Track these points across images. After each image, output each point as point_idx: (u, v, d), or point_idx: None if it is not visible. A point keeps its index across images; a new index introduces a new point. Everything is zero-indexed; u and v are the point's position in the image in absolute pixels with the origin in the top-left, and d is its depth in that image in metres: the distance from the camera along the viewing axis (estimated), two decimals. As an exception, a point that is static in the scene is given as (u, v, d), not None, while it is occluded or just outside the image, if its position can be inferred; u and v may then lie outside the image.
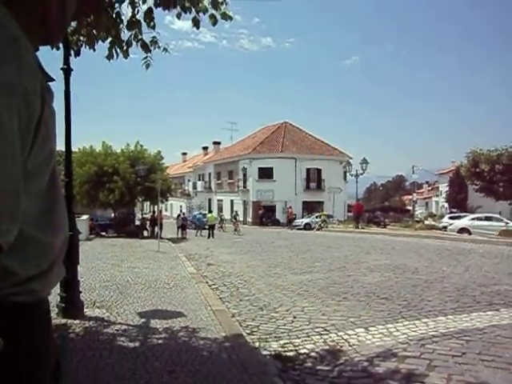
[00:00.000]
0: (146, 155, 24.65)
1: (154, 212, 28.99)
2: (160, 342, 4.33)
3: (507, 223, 21.32)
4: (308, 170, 39.18)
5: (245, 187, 39.68)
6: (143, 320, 5.16)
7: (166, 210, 52.52)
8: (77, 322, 4.94)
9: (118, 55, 3.53)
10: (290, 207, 33.08)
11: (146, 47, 3.58)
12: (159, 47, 3.78)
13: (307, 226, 28.89)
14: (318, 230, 26.87)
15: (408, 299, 6.32)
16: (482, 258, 11.07)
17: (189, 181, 56.17)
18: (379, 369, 3.72)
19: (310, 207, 35.66)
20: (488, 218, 22.95)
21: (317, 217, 30.32)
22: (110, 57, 3.53)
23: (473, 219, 23.99)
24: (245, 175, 39.93)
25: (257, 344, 4.50)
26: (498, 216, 23.63)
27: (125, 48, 3.73)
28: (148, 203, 30.43)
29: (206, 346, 4.19)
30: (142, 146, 24.85)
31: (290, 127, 42.96)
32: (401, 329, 4.86)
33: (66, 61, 5.05)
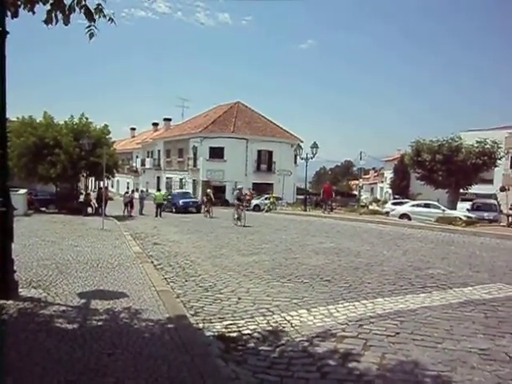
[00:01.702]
0: (91, 129, 23.52)
1: (100, 188, 27.76)
2: (100, 323, 4.20)
3: (444, 210, 22.60)
4: (259, 152, 39.34)
5: (195, 166, 39.21)
6: (83, 301, 4.98)
7: (112, 186, 50.91)
8: (10, 302, 4.68)
9: (57, 21, 3.27)
10: (249, 189, 33.08)
11: (89, 15, 3.35)
12: (105, 16, 3.55)
13: (256, 208, 29.10)
14: (266, 211, 27.15)
15: (349, 281, 6.55)
16: (419, 242, 11.68)
17: (137, 157, 54.60)
18: (319, 349, 3.84)
19: (259, 189, 35.89)
20: (427, 205, 24.18)
21: (266, 199, 30.61)
22: (48, 21, 3.26)
23: (413, 206, 25.20)
24: (195, 154, 39.41)
25: (201, 325, 4.50)
26: (436, 203, 24.97)
27: (66, 13, 3.47)
28: (93, 179, 29.13)
29: (148, 327, 4.12)
30: (87, 118, 23.68)
31: (242, 107, 42.70)
32: (341, 310, 5.03)
33: (1, 22, 4.64)
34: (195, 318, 4.74)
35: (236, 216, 17.23)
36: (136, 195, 30.24)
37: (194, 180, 39.56)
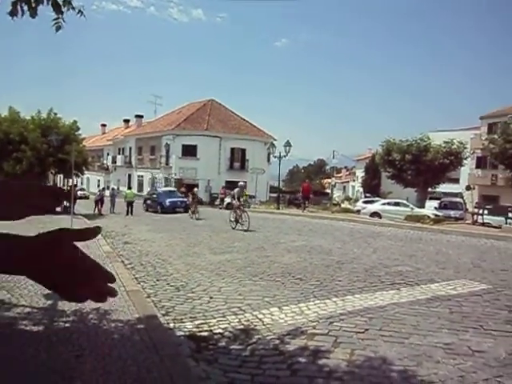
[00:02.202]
0: (60, 124, 22.92)
1: (71, 186, 26.98)
2: (67, 325, 4.11)
3: (413, 209, 23.18)
4: (232, 150, 39.27)
5: (167, 164, 38.78)
6: (50, 302, 4.85)
7: (82, 184, 49.75)
8: (-29, 304, 4.52)
9: (23, 13, 3.16)
10: (223, 187, 32.94)
11: (57, 7, 3.25)
12: (73, 8, 3.45)
13: (229, 206, 29.04)
14: (239, 209, 27.14)
15: (321, 279, 6.63)
16: (389, 240, 11.93)
17: (108, 154, 53.55)
18: (289, 346, 3.87)
19: (232, 187, 35.79)
20: (396, 204, 24.73)
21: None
22: (13, 13, 3.14)
23: (383, 204, 25.74)
24: (168, 151, 38.99)
25: (171, 325, 4.46)
26: (405, 202, 25.57)
27: (33, 6, 3.36)
28: (61, 176, 28.40)
29: (117, 328, 4.06)
30: (55, 114, 23.05)
31: (215, 105, 42.52)
32: (312, 308, 5.09)
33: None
34: (166, 317, 4.69)
35: (233, 218, 14.90)
36: (107, 193, 29.65)
37: (166, 178, 39.12)
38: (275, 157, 27.42)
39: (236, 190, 15.98)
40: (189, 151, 37.63)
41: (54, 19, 3.46)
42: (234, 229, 14.25)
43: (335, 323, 4.48)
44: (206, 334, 4.24)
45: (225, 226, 15.94)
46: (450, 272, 7.34)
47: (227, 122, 40.50)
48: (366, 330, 4.28)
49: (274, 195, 32.86)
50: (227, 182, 37.25)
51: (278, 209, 26.02)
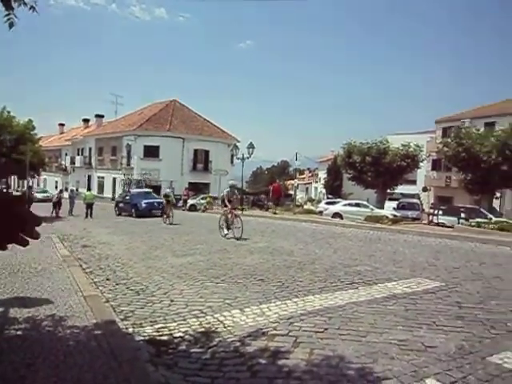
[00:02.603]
0: (14, 123, 21.98)
1: (30, 187, 25.79)
2: (19, 332, 3.94)
3: (372, 209, 23.82)
4: (195, 151, 39.04)
5: (129, 165, 38.04)
6: (0, 309, 4.64)
7: (38, 185, 47.90)
8: None
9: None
10: (186, 189, 32.59)
11: (7, 2, 3.12)
12: (25, 4, 3.33)
13: (192, 208, 28.83)
14: (203, 211, 26.99)
15: (282, 280, 6.69)
16: (349, 241, 12.21)
17: (66, 155, 51.86)
18: (250, 348, 3.88)
19: (196, 188, 35.58)
20: (357, 205, 25.32)
21: (203, 198, 30.41)
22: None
23: (345, 205, 26.29)
24: (129, 152, 38.25)
25: (130, 330, 4.37)
26: (365, 203, 26.23)
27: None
28: (16, 177, 27.22)
29: (73, 335, 3.94)
30: (9, 112, 22.09)
31: (178, 106, 42.12)
32: (273, 309, 5.13)
33: None
34: (125, 322, 4.59)
35: (224, 224, 12.64)
36: (65, 195, 28.67)
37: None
38: (238, 158, 27.48)
39: (226, 190, 13.24)
40: (151, 152, 37.07)
41: (6, 15, 3.33)
42: (225, 237, 12.23)
43: (295, 323, 4.53)
44: (166, 338, 4.18)
45: (188, 227, 15.80)
46: (407, 271, 7.60)
47: (190, 123, 40.21)
48: (326, 329, 4.36)
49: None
50: (190, 183, 36.96)
51: (242, 210, 26.05)
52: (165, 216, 18.72)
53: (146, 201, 23.29)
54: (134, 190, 27.22)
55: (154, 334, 4.28)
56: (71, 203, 24.20)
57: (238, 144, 34.53)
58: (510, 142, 21.25)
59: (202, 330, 4.41)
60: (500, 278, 7.14)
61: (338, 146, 30.64)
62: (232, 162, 39.14)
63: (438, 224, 17.83)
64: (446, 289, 6.24)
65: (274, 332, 4.29)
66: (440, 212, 19.82)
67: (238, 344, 3.99)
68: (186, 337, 4.21)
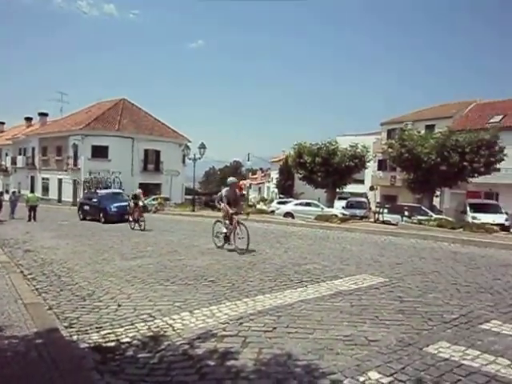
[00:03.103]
0: None
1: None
2: (-49, 346, 3.70)
3: (323, 209, 24.41)
4: (146, 151, 38.28)
5: (75, 166, 36.60)
6: None
7: (-25, 187, 44.98)
8: None
9: None
10: (140, 189, 31.75)
11: None
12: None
13: (143, 209, 28.20)
14: (154, 212, 26.47)
15: (233, 281, 6.72)
16: (299, 240, 12.45)
17: (6, 155, 49.07)
18: (199, 350, 3.88)
19: (147, 189, 34.83)
20: (308, 204, 25.86)
21: (154, 199, 29.85)
22: None
23: (296, 204, 26.76)
24: (76, 152, 36.81)
25: (75, 337, 4.23)
26: (316, 202, 26.82)
27: None
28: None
29: (11, 345, 3.75)
30: None
31: (127, 105, 41.09)
32: (223, 310, 5.14)
33: None
34: (69, 330, 4.44)
35: (221, 232, 10.30)
36: (6, 197, 27.10)
37: (74, 180, 36.87)
38: (190, 159, 27.18)
39: (225, 189, 10.40)
40: (99, 152, 35.90)
41: None
42: (220, 247, 10.17)
43: (245, 324, 4.58)
44: (112, 344, 4.09)
45: (138, 229, 15.45)
46: (353, 268, 7.87)
47: (140, 123, 39.34)
48: (274, 328, 4.43)
49: (190, 197, 32.54)
50: (141, 184, 36.10)
51: (194, 211, 25.82)
52: (132, 221, 16.29)
53: (117, 204, 20.25)
54: (102, 192, 23.95)
55: (100, 340, 4.17)
56: (13, 206, 22.93)
57: (189, 144, 34.18)
58: (447, 143, 22.48)
59: (151, 334, 4.35)
60: (438, 272, 7.56)
61: (290, 146, 31.05)
62: (184, 162, 38.67)
63: (383, 222, 18.57)
64: (389, 284, 6.53)
65: (224, 333, 4.31)
66: (385, 210, 20.65)
67: (186, 347, 3.97)
68: (134, 342, 4.13)
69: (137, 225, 15.91)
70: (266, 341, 4.08)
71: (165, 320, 4.78)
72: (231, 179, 10.84)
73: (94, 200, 21.71)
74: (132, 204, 16.95)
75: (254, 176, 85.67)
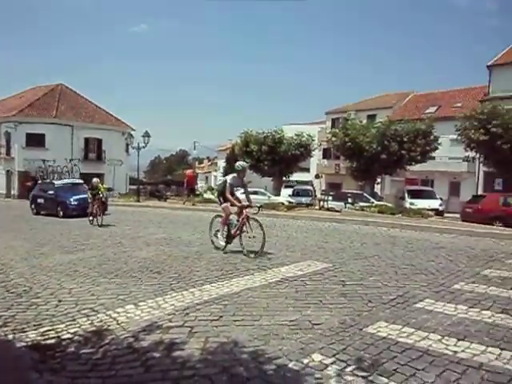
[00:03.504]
0: None
1: None
2: None
3: (270, 197, 24.75)
4: (87, 140, 36.72)
5: (8, 155, 34.40)
6: None
7: None
8: None
9: None
10: (97, 178, 30.36)
11: None
12: None
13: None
14: (96, 203, 25.54)
15: (179, 271, 6.66)
16: (246, 228, 12.50)
17: None
18: (144, 343, 3.82)
19: (88, 179, 33.49)
20: (255, 192, 26.01)
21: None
22: None
23: (242, 193, 26.85)
24: (8, 141, 34.55)
25: (10, 336, 4.01)
26: (262, 190, 27.11)
27: None
28: None
29: None
30: None
31: (66, 90, 39.06)
32: (169, 301, 5.09)
33: None
34: (3, 329, 4.19)
35: (224, 230, 8.49)
36: None
37: (7, 171, 34.69)
38: (133, 147, 26.42)
39: (230, 176, 8.77)
40: (35, 140, 33.95)
41: None
42: (222, 250, 8.34)
43: (191, 314, 4.56)
44: (52, 341, 3.92)
45: (81, 221, 14.84)
46: (298, 254, 8.05)
47: (80, 110, 37.59)
48: (221, 316, 4.45)
49: (135, 187, 31.69)
50: (82, 174, 34.67)
51: (138, 201, 25.21)
52: (91, 215, 14.27)
53: (78, 196, 17.89)
54: (59, 182, 20.92)
55: (39, 338, 3.98)
56: None
57: (133, 132, 33.18)
58: (387, 133, 23.49)
59: (94, 329, 4.22)
60: (378, 256, 7.93)
61: (236, 135, 31.04)
62: (127, 151, 37.52)
63: (327, 209, 19.13)
64: (333, 269, 6.76)
65: (169, 324, 4.27)
66: (330, 198, 21.30)
67: (131, 340, 3.90)
68: (76, 338, 3.99)
69: (96, 220, 13.96)
70: (212, 330, 4.09)
71: (108, 314, 4.65)
72: (241, 164, 8.96)
73: (50, 192, 19.19)
74: (89, 196, 14.80)
75: (201, 165, 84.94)
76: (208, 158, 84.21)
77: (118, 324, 4.34)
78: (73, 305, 5.00)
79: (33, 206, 20.04)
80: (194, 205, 21.24)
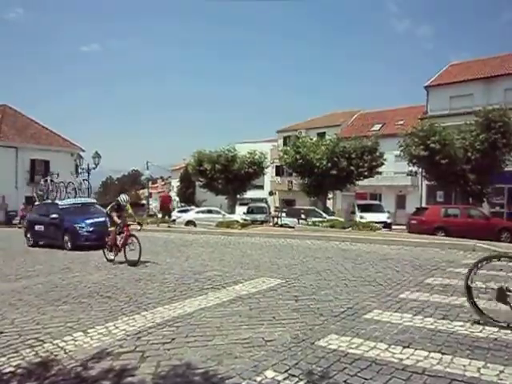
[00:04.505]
0: None
1: None
2: None
3: (224, 215, 24.71)
4: (33, 162, 35.21)
5: None
6: None
7: None
8: None
9: None
10: (24, 204, 29.02)
11: None
12: None
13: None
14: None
15: (131, 294, 6.50)
16: (201, 247, 12.45)
17: None
18: (93, 371, 3.70)
19: (34, 202, 32.01)
20: (209, 211, 26.01)
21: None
22: None
23: (197, 212, 26.73)
24: None
25: None
26: (217, 209, 27.05)
27: None
28: None
29: None
30: None
31: (10, 112, 37.44)
32: (120, 325, 4.95)
33: None
34: None
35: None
36: None
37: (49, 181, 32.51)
38: (83, 169, 25.65)
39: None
40: (-24, 163, 32.07)
41: None
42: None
43: (143, 338, 4.47)
44: (-8, 376, 3.71)
45: (24, 246, 14.12)
46: (252, 272, 8.10)
47: (25, 131, 36.10)
48: (173, 339, 4.40)
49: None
50: (28, 197, 33.06)
51: (140, 225, 24.29)
52: (111, 246, 10.17)
53: (92, 220, 13.59)
54: (65, 202, 15.43)
55: (-23, 374, 3.76)
56: None
57: (82, 153, 32.24)
58: (336, 150, 24.33)
59: (39, 360, 4.03)
60: (330, 269, 8.13)
61: (190, 154, 30.94)
62: (77, 172, 36.29)
63: (281, 225, 19.40)
64: (286, 285, 6.85)
65: (120, 350, 4.16)
66: (283, 214, 21.62)
67: (79, 369, 3.76)
68: (19, 371, 3.80)
69: (121, 252, 9.86)
70: (164, 353, 4.03)
71: (55, 343, 4.46)
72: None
73: (53, 216, 14.25)
74: (116, 219, 10.19)
75: (155, 185, 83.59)
76: (162, 177, 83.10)
77: (66, 353, 4.17)
78: (16, 336, 4.75)
79: (29, 234, 15.52)
80: (169, 227, 20.23)
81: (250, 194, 32.73)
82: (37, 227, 15.10)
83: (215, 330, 4.65)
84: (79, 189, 17.38)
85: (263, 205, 31.30)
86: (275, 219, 20.68)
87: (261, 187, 37.83)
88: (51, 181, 18.07)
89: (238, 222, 20.59)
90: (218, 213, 25.57)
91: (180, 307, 5.65)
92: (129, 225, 10.13)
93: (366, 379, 3.30)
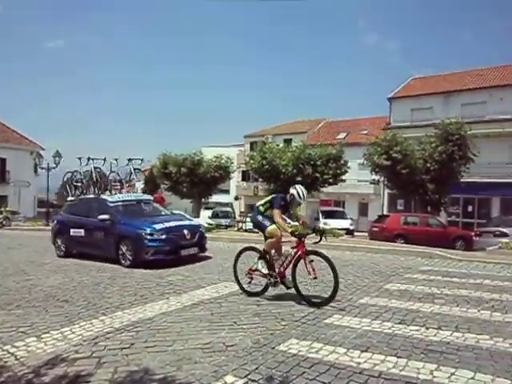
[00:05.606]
0: None
1: None
2: None
3: (191, 220, 24.43)
4: (-13, 159, 33.65)
5: None
6: None
7: None
8: None
9: None
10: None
11: None
12: None
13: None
14: (-2, 228, 23.37)
15: (89, 298, 6.32)
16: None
17: None
18: (46, 378, 3.57)
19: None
20: (173, 214, 25.60)
21: (-3, 213, 26.26)
22: None
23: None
24: None
25: None
26: (182, 213, 26.60)
27: None
28: None
29: None
30: None
31: (-36, 105, 35.66)
32: (76, 330, 4.80)
33: None
34: None
35: (263, 266, 6.41)
36: None
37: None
38: (43, 168, 24.75)
39: (295, 190, 6.67)
40: None
41: None
42: (256, 294, 6.35)
43: (100, 343, 4.35)
44: None
45: None
46: (215, 276, 8.04)
47: (-20, 127, 34.50)
48: (132, 344, 4.30)
49: (44, 210, 29.54)
50: (-19, 196, 31.61)
51: (48, 225, 23.47)
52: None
53: (162, 226, 9.81)
54: (115, 198, 11.33)
55: None
56: None
57: (42, 152, 31.14)
58: (302, 157, 24.58)
59: (-13, 367, 3.85)
60: (292, 275, 8.18)
61: (155, 156, 30.42)
62: (36, 171, 34.99)
63: (246, 230, 19.39)
64: (249, 290, 6.84)
65: (76, 356, 4.03)
66: (247, 219, 21.60)
67: (31, 376, 3.62)
68: (-36, 379, 3.61)
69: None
70: (122, 359, 3.94)
71: (6, 349, 4.27)
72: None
73: (103, 217, 10.18)
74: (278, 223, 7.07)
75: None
76: (125, 179, 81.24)
77: (17, 359, 4.01)
78: (-37, 342, 4.52)
79: (59, 241, 11.52)
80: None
81: (216, 198, 32.54)
82: (73, 231, 11.06)
83: (175, 334, 4.59)
84: (128, 179, 13.32)
85: (228, 209, 31.23)
86: (240, 224, 20.65)
87: (227, 192, 37.75)
88: (95, 168, 13.71)
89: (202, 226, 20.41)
90: (183, 216, 25.25)
91: (140, 312, 5.54)
92: (304, 236, 6.40)
93: (324, 383, 3.34)
